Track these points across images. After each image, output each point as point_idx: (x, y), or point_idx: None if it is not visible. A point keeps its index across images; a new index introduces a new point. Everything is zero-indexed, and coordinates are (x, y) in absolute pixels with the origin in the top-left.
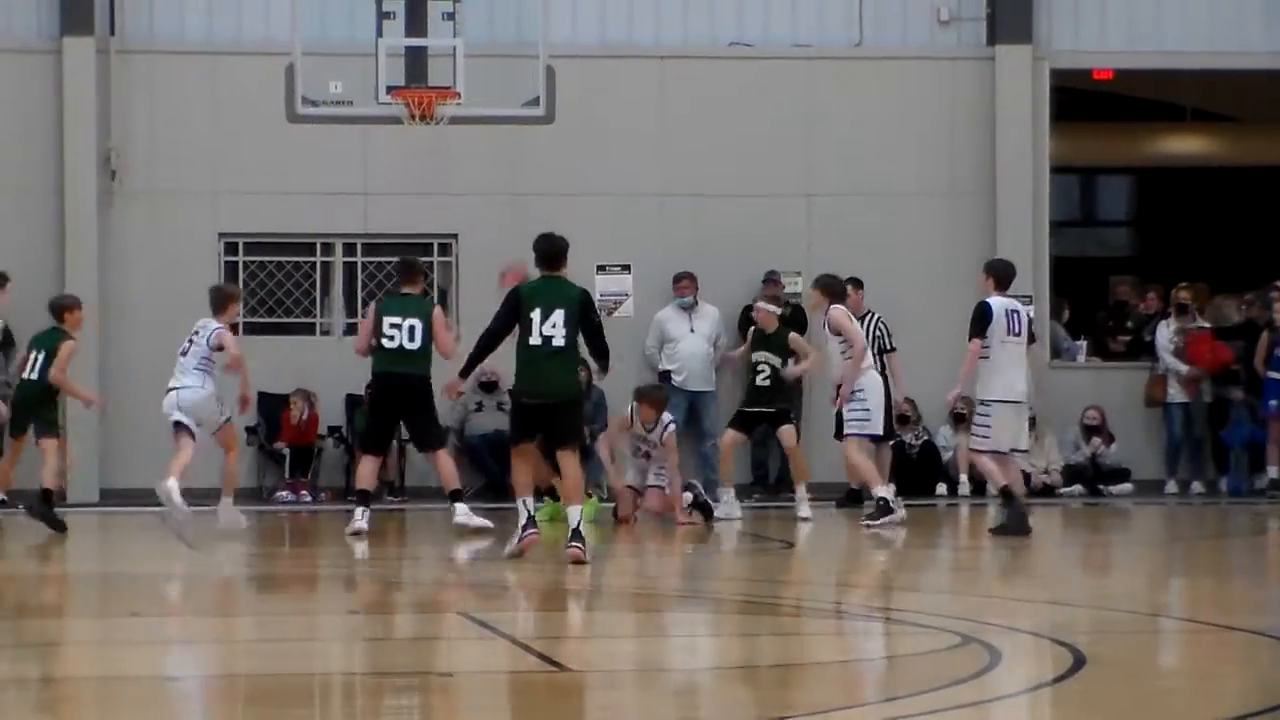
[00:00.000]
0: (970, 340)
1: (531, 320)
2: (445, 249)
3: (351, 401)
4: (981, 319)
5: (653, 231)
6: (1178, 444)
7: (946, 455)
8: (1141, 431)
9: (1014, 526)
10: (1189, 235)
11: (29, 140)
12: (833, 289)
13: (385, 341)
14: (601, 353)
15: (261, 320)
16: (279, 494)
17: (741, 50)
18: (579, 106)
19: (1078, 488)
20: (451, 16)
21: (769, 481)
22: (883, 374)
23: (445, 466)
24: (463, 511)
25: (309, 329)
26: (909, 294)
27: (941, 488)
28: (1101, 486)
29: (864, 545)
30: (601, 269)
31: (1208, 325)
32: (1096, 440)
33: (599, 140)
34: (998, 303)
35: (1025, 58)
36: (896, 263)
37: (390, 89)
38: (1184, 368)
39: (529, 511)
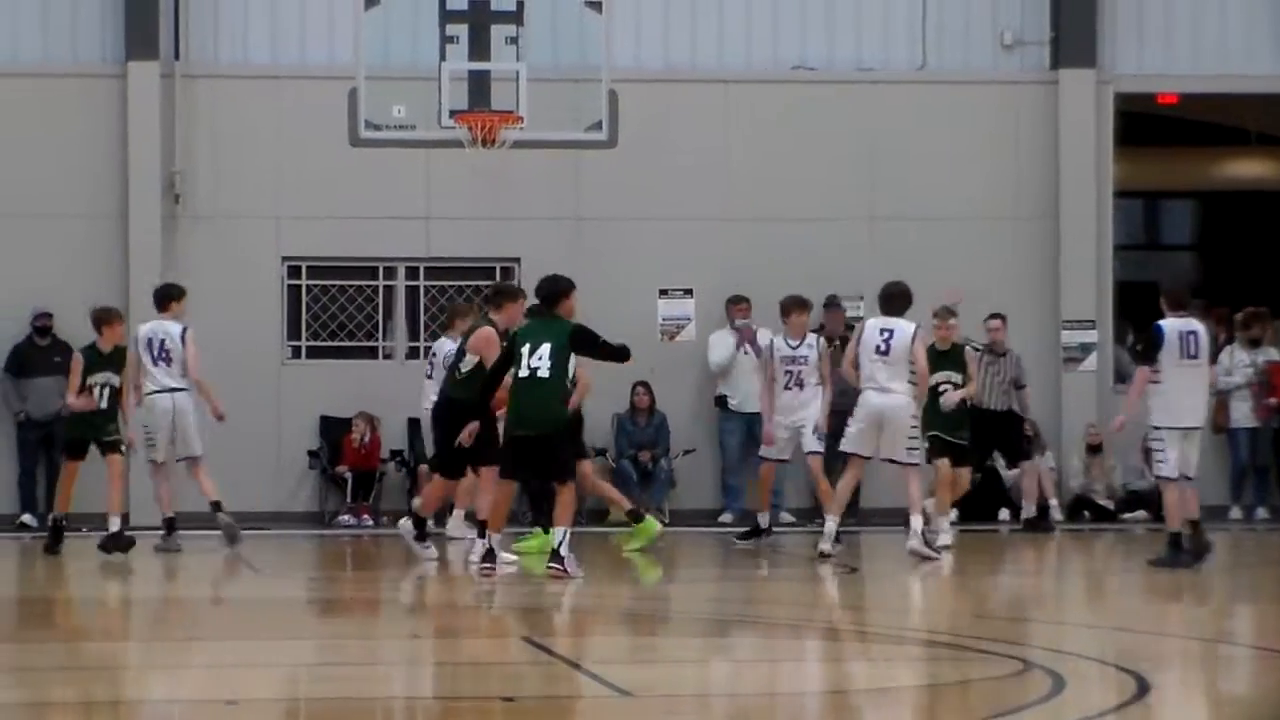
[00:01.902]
0: (1139, 365)
1: (521, 355)
2: (507, 273)
3: (413, 425)
4: (1152, 343)
5: (715, 255)
6: (1242, 469)
7: (1009, 481)
8: (1206, 456)
9: (1192, 559)
10: (1253, 260)
11: (94, 164)
12: None
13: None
14: (614, 352)
15: (324, 344)
16: (341, 518)
17: (805, 74)
18: (642, 130)
19: (1141, 513)
20: (515, 40)
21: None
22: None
23: (428, 490)
24: (407, 529)
25: (371, 353)
26: (971, 318)
27: (1004, 513)
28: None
29: (926, 571)
30: (664, 293)
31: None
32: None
33: (662, 164)
34: (1171, 324)
35: (1089, 81)
36: (959, 287)
37: (453, 113)
38: (1234, 384)
39: (491, 545)
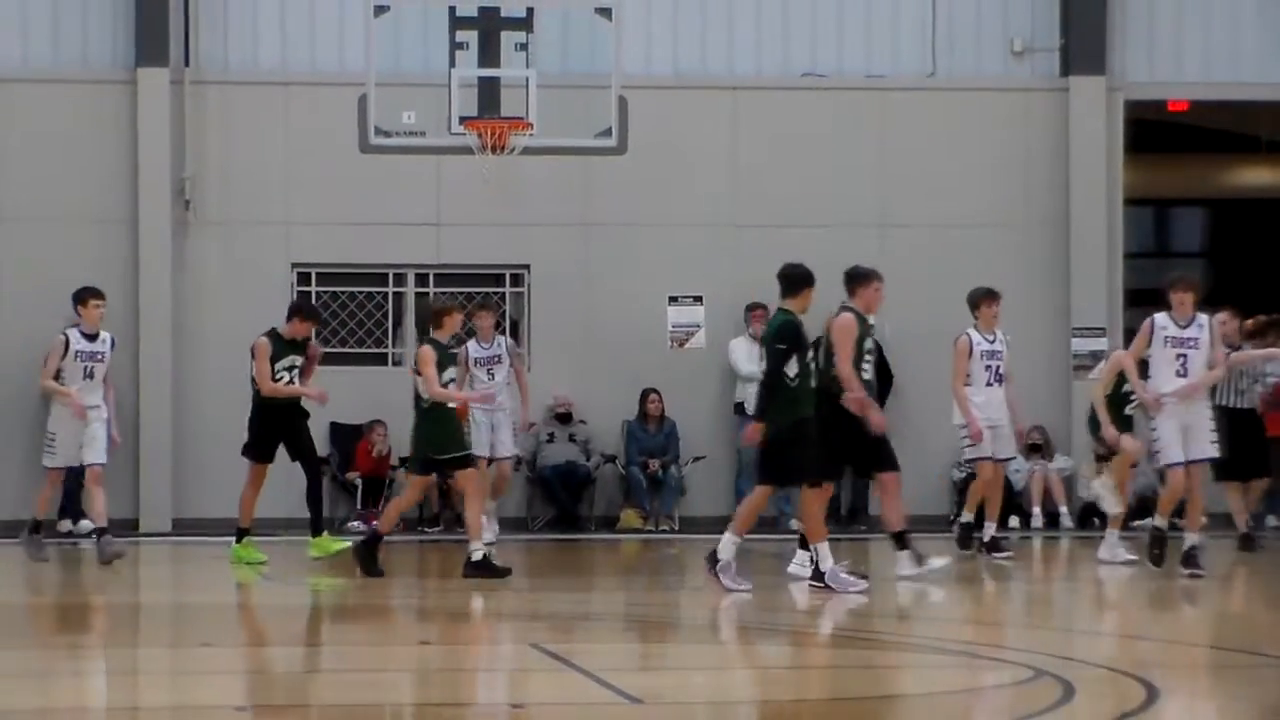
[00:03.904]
0: None
1: None
2: (517, 279)
3: None
4: None
5: (725, 263)
6: None
7: (1019, 486)
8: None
9: None
10: (1263, 268)
11: (104, 170)
12: None
13: None
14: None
15: (333, 350)
16: (351, 524)
17: (815, 81)
18: (652, 137)
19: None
20: (525, 47)
21: (840, 513)
22: None
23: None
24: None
25: (381, 359)
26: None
27: (1014, 520)
28: (1176, 520)
29: (937, 578)
30: (674, 300)
31: None
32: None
33: (671, 171)
34: None
35: (1099, 89)
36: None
37: (463, 119)
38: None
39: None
